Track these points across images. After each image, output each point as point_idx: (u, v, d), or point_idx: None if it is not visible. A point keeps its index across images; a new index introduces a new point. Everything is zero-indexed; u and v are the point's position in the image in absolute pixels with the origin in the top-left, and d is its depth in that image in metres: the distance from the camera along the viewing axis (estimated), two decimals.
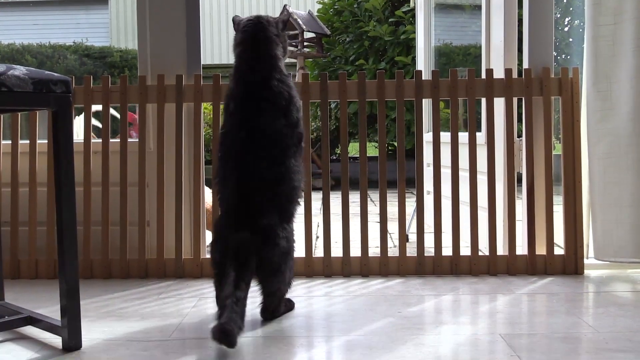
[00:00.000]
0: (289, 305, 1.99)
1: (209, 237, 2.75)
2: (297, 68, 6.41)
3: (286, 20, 2.06)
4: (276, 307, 1.91)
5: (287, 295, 1.97)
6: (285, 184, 1.87)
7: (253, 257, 1.77)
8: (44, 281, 2.45)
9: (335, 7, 7.08)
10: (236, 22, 2.02)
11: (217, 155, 1.94)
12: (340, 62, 6.88)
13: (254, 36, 1.95)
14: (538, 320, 1.91)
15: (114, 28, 12.34)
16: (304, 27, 6.22)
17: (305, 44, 6.39)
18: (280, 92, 1.89)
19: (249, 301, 1.72)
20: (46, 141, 2.47)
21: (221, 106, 2.34)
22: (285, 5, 6.44)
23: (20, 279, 2.49)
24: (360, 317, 1.93)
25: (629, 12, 2.31)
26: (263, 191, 1.83)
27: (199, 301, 2.13)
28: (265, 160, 1.84)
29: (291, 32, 6.21)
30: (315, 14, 7.03)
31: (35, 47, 9.56)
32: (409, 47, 6.34)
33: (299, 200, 1.93)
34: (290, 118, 1.90)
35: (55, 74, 1.61)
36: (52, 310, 1.92)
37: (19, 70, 1.55)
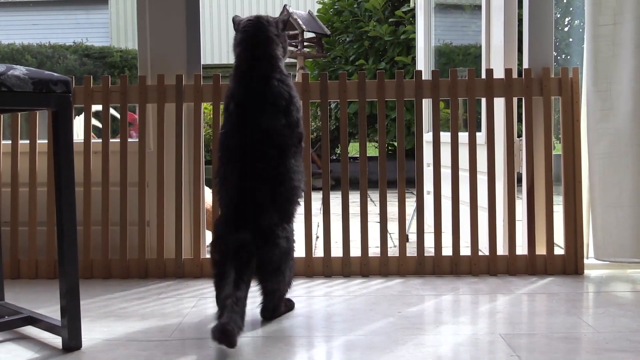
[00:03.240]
0: (289, 305, 1.99)
1: (209, 237, 2.75)
2: (297, 68, 6.40)
3: (286, 20, 2.06)
4: (276, 306, 1.91)
5: (287, 295, 1.97)
6: (285, 184, 1.87)
7: (253, 258, 1.77)
8: (44, 281, 2.45)
9: (335, 7, 7.07)
10: (236, 22, 2.02)
11: (218, 155, 1.94)
12: (340, 62, 6.87)
13: (254, 36, 1.95)
14: (538, 320, 1.91)
15: (114, 28, 12.34)
16: (304, 27, 6.22)
17: (305, 44, 6.39)
18: (280, 92, 1.89)
19: (249, 301, 1.72)
20: (46, 141, 2.47)
21: (221, 106, 2.34)
22: (285, 5, 6.44)
23: (20, 279, 2.49)
24: (360, 317, 1.94)
25: (629, 12, 2.31)
26: (263, 191, 1.83)
27: (199, 301, 2.13)
28: (265, 161, 1.84)
29: (291, 32, 6.21)
30: (315, 14, 7.02)
31: (35, 47, 9.56)
32: (409, 47, 6.33)
33: (299, 200, 1.94)
34: (290, 118, 1.90)
35: (55, 74, 1.61)
36: (52, 310, 1.92)
37: (19, 70, 1.55)
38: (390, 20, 6.56)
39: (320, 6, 7.36)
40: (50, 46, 9.64)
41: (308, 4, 11.42)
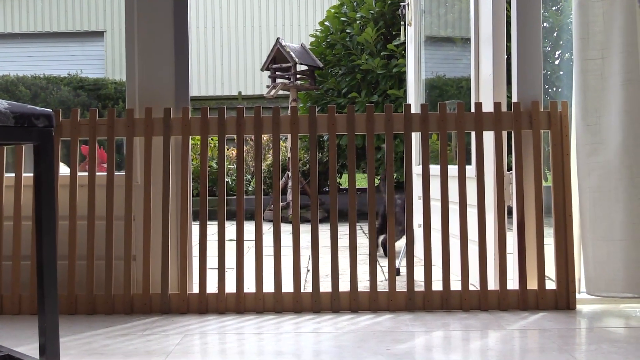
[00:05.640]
0: None
1: (195, 272, 2.71)
2: (290, 100, 6.42)
3: None
4: None
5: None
6: None
7: None
8: (27, 317, 2.40)
9: (328, 40, 7.12)
10: None
11: None
12: (333, 95, 6.90)
13: None
14: (530, 358, 1.88)
15: (109, 60, 12.39)
16: (297, 59, 6.26)
17: (298, 76, 6.41)
18: None
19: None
20: (32, 174, 2.44)
21: (209, 139, 2.32)
22: (278, 38, 6.48)
23: (3, 315, 2.43)
24: (348, 354, 1.89)
25: (616, 46, 2.32)
26: None
27: (184, 338, 2.09)
28: None
29: (284, 65, 6.24)
30: (308, 47, 7.07)
31: (29, 79, 9.58)
32: (401, 80, 6.36)
33: None
34: None
35: (37, 108, 1.59)
36: (32, 348, 1.87)
37: (1, 105, 1.53)
38: (382, 53, 6.60)
39: (313, 39, 7.41)
40: (44, 77, 9.66)
41: (302, 37, 11.52)
